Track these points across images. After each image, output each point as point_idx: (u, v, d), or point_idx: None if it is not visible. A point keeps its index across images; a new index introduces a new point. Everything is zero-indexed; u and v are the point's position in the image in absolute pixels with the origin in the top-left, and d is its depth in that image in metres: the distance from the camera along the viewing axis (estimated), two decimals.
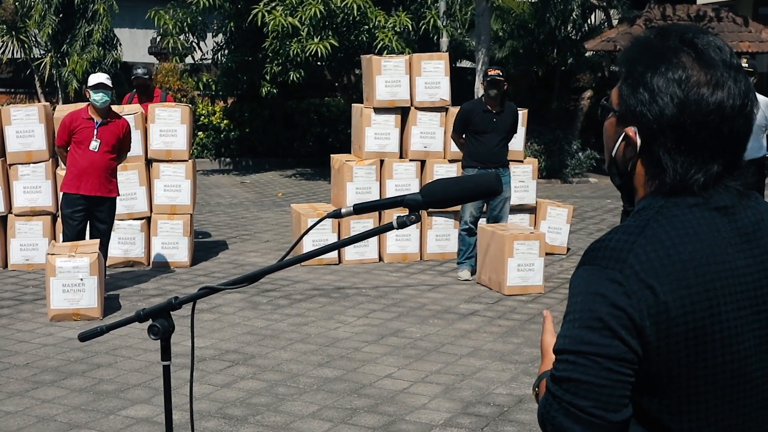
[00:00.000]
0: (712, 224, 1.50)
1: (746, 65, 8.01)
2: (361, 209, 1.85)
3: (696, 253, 1.47)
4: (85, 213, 7.20)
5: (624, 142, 1.56)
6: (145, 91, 9.55)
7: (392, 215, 7.93)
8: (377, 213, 8.28)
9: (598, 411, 1.43)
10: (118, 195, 7.43)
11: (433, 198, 1.82)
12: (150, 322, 2.03)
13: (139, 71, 9.54)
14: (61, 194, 7.42)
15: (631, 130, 1.53)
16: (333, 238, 8.49)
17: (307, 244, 8.23)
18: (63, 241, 7.27)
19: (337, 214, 1.88)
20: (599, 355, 1.43)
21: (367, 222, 8.44)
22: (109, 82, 7.18)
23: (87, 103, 7.30)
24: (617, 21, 17.09)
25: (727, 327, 1.47)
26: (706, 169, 1.49)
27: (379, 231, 1.86)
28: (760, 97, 7.55)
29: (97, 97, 7.13)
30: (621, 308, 1.43)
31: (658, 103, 1.49)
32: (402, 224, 1.81)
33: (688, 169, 1.49)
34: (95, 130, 7.14)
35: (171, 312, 2.04)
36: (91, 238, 7.32)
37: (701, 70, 1.49)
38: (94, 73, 7.57)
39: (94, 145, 7.13)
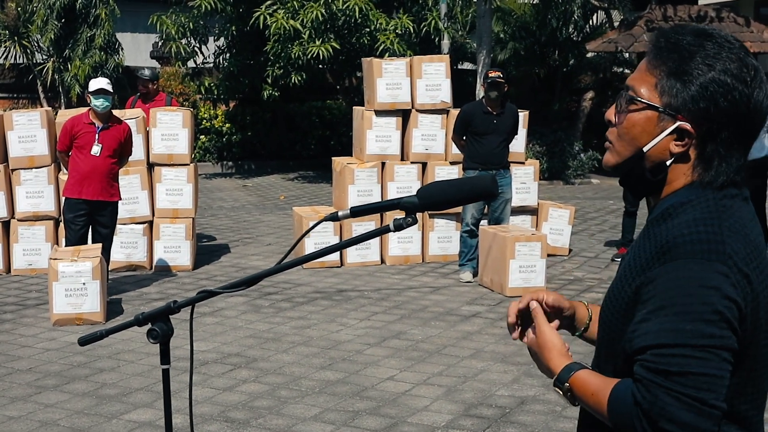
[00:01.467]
0: (749, 213, 1.61)
1: None
2: (358, 212, 1.86)
3: (756, 241, 1.57)
4: (88, 217, 7.21)
5: (672, 135, 1.60)
6: (146, 95, 9.55)
7: (393, 217, 7.92)
8: (379, 215, 8.29)
9: (718, 402, 1.45)
10: (120, 199, 7.44)
11: (430, 200, 1.83)
12: (149, 325, 2.04)
13: (146, 73, 9.58)
14: (63, 199, 7.44)
15: (686, 124, 1.58)
16: (335, 242, 8.49)
17: (309, 248, 8.24)
18: (65, 245, 7.29)
19: (334, 217, 1.89)
20: (721, 347, 1.46)
21: (369, 225, 8.44)
22: (109, 87, 7.19)
23: (88, 108, 7.32)
24: (618, 22, 17.09)
25: None
26: (743, 163, 1.60)
27: (376, 234, 1.86)
28: None
29: (98, 103, 7.14)
30: (733, 299, 1.48)
31: (726, 98, 1.56)
32: (399, 227, 1.82)
33: (736, 162, 1.59)
34: (97, 135, 7.16)
35: (171, 316, 2.04)
36: (93, 242, 7.34)
37: (754, 68, 1.59)
38: (96, 77, 7.58)
39: (96, 149, 7.14)
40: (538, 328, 1.76)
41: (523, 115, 8.67)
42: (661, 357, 1.46)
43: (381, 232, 1.85)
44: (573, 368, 1.65)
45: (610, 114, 1.70)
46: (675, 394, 1.44)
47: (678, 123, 1.58)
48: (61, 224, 7.90)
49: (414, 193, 1.85)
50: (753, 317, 1.52)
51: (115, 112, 7.64)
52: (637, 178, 1.67)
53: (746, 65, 1.58)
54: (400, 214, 1.84)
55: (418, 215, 1.87)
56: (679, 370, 1.45)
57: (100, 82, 7.19)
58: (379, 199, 8.66)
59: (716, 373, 1.45)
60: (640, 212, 8.86)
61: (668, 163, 1.61)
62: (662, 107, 1.60)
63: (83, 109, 7.57)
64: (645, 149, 1.63)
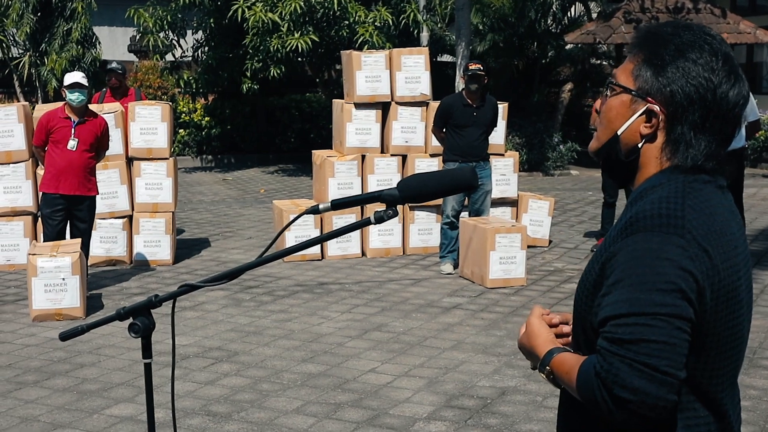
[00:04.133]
0: (721, 200, 1.65)
1: None
2: (338, 205, 1.87)
3: (723, 224, 1.61)
4: (65, 212, 7.16)
5: (643, 118, 1.66)
6: (117, 89, 9.45)
7: (373, 210, 7.90)
8: (360, 208, 8.29)
9: (671, 369, 1.49)
10: (98, 193, 7.39)
11: (410, 192, 1.84)
12: (130, 320, 2.03)
13: (114, 65, 9.49)
14: (40, 194, 7.38)
15: (654, 106, 1.64)
16: (315, 235, 8.49)
17: (290, 241, 8.24)
18: (43, 241, 7.24)
19: (315, 210, 1.90)
20: (672, 315, 1.50)
21: (350, 218, 8.45)
22: (84, 81, 7.13)
23: (64, 102, 7.26)
24: (596, 14, 17.15)
25: (741, 291, 1.62)
26: (717, 152, 1.64)
27: (357, 226, 1.87)
28: None
29: (73, 97, 7.08)
30: (688, 271, 1.52)
31: (691, 83, 1.61)
32: (379, 219, 1.83)
33: (706, 148, 1.63)
34: (73, 129, 7.11)
35: (152, 310, 2.04)
36: (71, 237, 7.29)
37: (726, 61, 1.63)
38: (72, 71, 7.50)
39: (72, 144, 7.09)
40: (527, 321, 1.81)
41: (502, 107, 8.69)
42: (617, 327, 1.52)
43: (362, 224, 1.86)
44: (554, 351, 1.69)
45: (598, 103, 1.78)
46: (628, 361, 1.48)
47: (647, 105, 1.65)
48: (40, 219, 7.84)
49: (394, 185, 1.86)
50: (714, 293, 1.56)
51: (92, 107, 7.58)
52: (614, 163, 1.74)
53: (716, 55, 1.63)
54: (380, 207, 1.85)
55: (399, 207, 1.89)
56: (631, 338, 1.49)
57: (75, 76, 7.14)
58: (360, 192, 8.66)
59: (668, 341, 1.49)
60: (620, 203, 8.92)
61: (640, 145, 1.68)
62: (634, 90, 1.67)
63: (60, 104, 7.52)
64: (619, 132, 1.69)
